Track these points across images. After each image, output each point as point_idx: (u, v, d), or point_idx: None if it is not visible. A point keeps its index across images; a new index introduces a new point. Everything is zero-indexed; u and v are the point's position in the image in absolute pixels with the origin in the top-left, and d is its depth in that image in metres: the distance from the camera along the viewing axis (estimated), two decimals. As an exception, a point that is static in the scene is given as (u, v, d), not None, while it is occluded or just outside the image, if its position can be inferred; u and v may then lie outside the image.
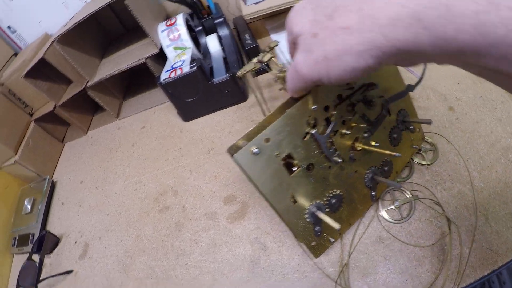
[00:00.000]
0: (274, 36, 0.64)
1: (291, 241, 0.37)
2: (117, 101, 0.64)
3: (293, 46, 0.21)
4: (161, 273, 0.39)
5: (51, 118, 0.60)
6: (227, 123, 0.52)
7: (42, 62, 0.53)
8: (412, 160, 0.39)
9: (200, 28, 0.61)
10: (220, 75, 0.53)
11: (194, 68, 0.50)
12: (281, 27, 0.65)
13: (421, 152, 0.39)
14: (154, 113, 0.59)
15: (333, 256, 0.34)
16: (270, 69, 0.43)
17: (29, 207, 0.52)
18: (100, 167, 0.56)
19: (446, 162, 0.38)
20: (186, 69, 0.51)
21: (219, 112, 0.54)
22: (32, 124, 0.60)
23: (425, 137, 0.39)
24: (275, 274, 0.35)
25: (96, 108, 0.67)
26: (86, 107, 0.65)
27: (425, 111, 0.43)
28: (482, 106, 0.41)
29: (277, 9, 0.59)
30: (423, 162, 0.38)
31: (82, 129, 0.62)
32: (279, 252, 0.36)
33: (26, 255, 0.44)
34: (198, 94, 0.53)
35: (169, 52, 0.58)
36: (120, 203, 0.49)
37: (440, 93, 0.45)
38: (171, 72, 0.53)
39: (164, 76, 0.53)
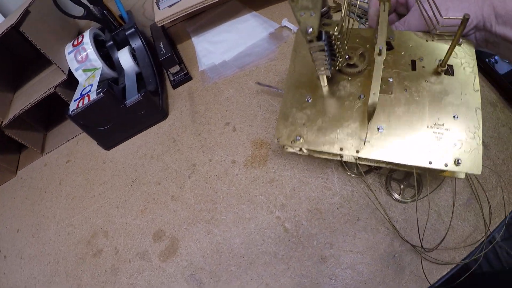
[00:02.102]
0: (195, 39, 0.56)
1: (226, 275, 0.36)
2: (39, 134, 0.58)
3: None
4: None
5: (-27, 166, 0.55)
6: (149, 147, 0.47)
7: None
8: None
9: (111, 42, 0.52)
10: (133, 95, 0.46)
11: (101, 94, 0.44)
12: (202, 28, 0.57)
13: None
14: (77, 144, 0.54)
15: None
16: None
17: (-31, 267, 0.50)
18: (33, 212, 0.52)
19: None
20: (94, 95, 0.45)
21: (140, 135, 0.49)
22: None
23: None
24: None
25: (21, 145, 0.61)
26: (10, 146, 0.59)
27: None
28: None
29: (191, 10, 0.51)
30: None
31: (10, 171, 0.58)
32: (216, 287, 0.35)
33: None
34: (112, 121, 0.47)
35: (79, 75, 0.51)
36: (56, 251, 0.47)
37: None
38: (80, 101, 0.47)
39: (72, 106, 0.47)
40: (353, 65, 0.35)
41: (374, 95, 0.30)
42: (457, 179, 0.41)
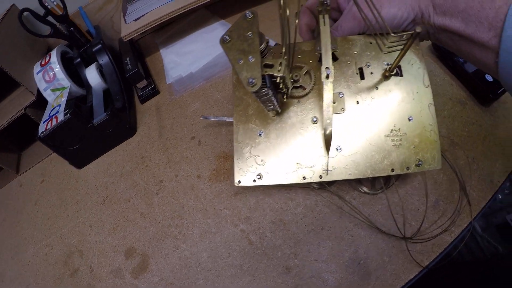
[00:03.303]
0: (163, 51, 0.56)
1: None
2: (14, 155, 0.58)
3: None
4: None
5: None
6: (118, 165, 0.48)
7: None
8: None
9: (79, 60, 0.52)
10: (100, 114, 0.47)
11: (68, 115, 0.44)
12: (170, 39, 0.56)
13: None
14: (51, 163, 0.54)
15: None
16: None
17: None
18: (11, 234, 0.53)
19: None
20: (61, 116, 0.45)
21: (110, 152, 0.49)
22: None
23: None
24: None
25: (-3, 165, 0.62)
26: (-14, 167, 0.60)
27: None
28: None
29: (157, 23, 0.50)
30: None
31: (-12, 192, 0.58)
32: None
33: None
34: (81, 140, 0.47)
35: (48, 95, 0.52)
36: (35, 272, 0.48)
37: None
38: (48, 122, 0.47)
39: (41, 128, 0.47)
40: (300, 87, 0.35)
41: (329, 123, 0.30)
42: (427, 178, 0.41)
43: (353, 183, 0.41)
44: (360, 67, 0.36)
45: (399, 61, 0.32)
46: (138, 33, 0.51)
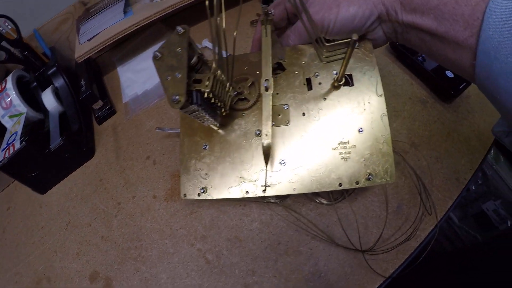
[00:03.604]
0: (120, 69, 0.55)
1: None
2: (-19, 182, 0.58)
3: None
4: None
5: None
6: (79, 188, 0.47)
7: None
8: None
9: (35, 84, 0.52)
10: (56, 139, 0.46)
11: (24, 143, 0.44)
12: (126, 56, 0.55)
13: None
14: (16, 189, 0.54)
15: None
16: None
17: None
18: (-17, 263, 0.53)
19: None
20: (18, 144, 0.45)
21: (71, 176, 0.49)
22: None
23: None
24: None
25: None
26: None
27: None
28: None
29: (110, 42, 0.50)
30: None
31: (-40, 221, 0.58)
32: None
33: None
34: (40, 167, 0.47)
35: (6, 122, 0.51)
36: (6, 300, 0.48)
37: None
38: (6, 151, 0.47)
39: (0, 156, 0.46)
40: (245, 99, 0.34)
41: (267, 136, 0.30)
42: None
43: (309, 194, 0.40)
44: (308, 77, 0.35)
45: (344, 70, 0.32)
46: (92, 53, 0.50)
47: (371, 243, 0.37)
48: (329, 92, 0.35)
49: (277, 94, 0.35)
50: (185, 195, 0.34)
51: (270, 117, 0.30)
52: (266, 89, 0.31)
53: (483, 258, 0.57)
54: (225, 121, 0.35)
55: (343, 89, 0.34)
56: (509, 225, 0.61)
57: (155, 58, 0.26)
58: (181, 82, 0.25)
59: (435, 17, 0.25)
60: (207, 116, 0.30)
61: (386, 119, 0.33)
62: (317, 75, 0.35)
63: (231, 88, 0.31)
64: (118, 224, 0.43)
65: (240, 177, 0.33)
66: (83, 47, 0.52)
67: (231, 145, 0.34)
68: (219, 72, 0.28)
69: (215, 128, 0.34)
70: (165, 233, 0.40)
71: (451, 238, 0.66)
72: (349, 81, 0.35)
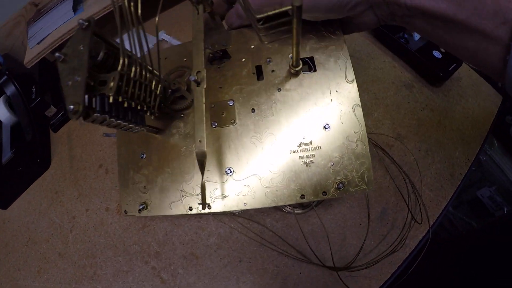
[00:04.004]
0: None
1: None
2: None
3: None
4: None
5: None
6: (37, 202, 0.44)
7: None
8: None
9: None
10: (7, 152, 0.43)
11: None
12: None
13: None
14: (-17, 204, 0.52)
15: None
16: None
17: None
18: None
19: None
20: (-31, 160, 0.42)
21: (29, 188, 0.46)
22: None
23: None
24: None
25: None
26: None
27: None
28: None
29: (59, 43, 0.45)
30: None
31: None
32: None
33: None
34: (-6, 182, 0.44)
35: (-39, 136, 0.48)
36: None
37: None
38: (-38, 166, 0.44)
39: None
40: (182, 97, 0.29)
41: (201, 142, 0.24)
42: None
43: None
44: (257, 65, 0.29)
45: (297, 50, 0.25)
46: (41, 57, 0.46)
47: (351, 256, 0.31)
48: (285, 81, 0.29)
49: (221, 87, 0.29)
50: (126, 211, 0.30)
51: (204, 119, 0.25)
52: (197, 83, 0.25)
53: (479, 245, 0.51)
54: (163, 124, 0.30)
55: (303, 76, 0.28)
56: (505, 211, 0.55)
57: (58, 60, 0.21)
58: (79, 87, 0.20)
59: (454, 0, 0.19)
60: (129, 124, 0.25)
61: (359, 110, 0.27)
62: (269, 61, 0.29)
63: (159, 86, 0.26)
64: (74, 240, 0.40)
65: (181, 191, 0.28)
66: (33, 51, 0.48)
67: (170, 152, 0.29)
68: (134, 68, 0.23)
69: (153, 133, 0.29)
70: (119, 249, 0.36)
71: (445, 225, 0.60)
72: (310, 66, 0.29)
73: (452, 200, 0.34)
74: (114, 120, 0.23)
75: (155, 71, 0.27)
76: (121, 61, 0.21)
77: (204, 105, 0.24)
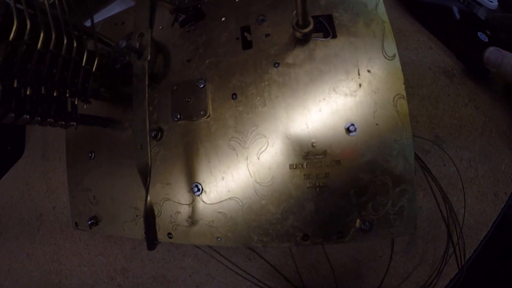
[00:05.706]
0: None
1: None
2: None
3: None
4: None
5: None
6: (8, 194, 0.40)
7: None
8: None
9: None
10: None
11: None
12: None
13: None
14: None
15: None
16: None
17: None
18: None
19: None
20: None
21: (4, 178, 0.41)
22: None
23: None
24: None
25: None
26: None
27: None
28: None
29: None
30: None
31: None
32: None
33: None
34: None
35: None
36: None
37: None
38: None
39: None
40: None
41: (142, 149, 0.17)
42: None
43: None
44: (244, 26, 0.21)
45: (304, 1, 0.17)
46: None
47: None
48: (285, 51, 0.20)
49: (188, 61, 0.21)
50: (76, 224, 0.24)
51: (146, 111, 0.17)
52: (138, 55, 0.18)
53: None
54: (116, 113, 0.23)
55: (315, 44, 0.19)
56: None
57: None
58: None
59: None
60: (48, 119, 0.18)
61: (404, 105, 0.18)
62: (263, 20, 0.20)
63: (96, 60, 0.19)
64: (41, 240, 0.35)
65: (135, 208, 0.21)
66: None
67: (122, 154, 0.22)
68: (43, 35, 0.16)
69: (101, 127, 0.22)
70: (84, 259, 0.31)
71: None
72: (327, 30, 0.20)
73: (494, 228, 0.25)
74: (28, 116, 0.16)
75: (104, 40, 0.20)
76: (15, 23, 0.14)
77: (146, 91, 0.17)
